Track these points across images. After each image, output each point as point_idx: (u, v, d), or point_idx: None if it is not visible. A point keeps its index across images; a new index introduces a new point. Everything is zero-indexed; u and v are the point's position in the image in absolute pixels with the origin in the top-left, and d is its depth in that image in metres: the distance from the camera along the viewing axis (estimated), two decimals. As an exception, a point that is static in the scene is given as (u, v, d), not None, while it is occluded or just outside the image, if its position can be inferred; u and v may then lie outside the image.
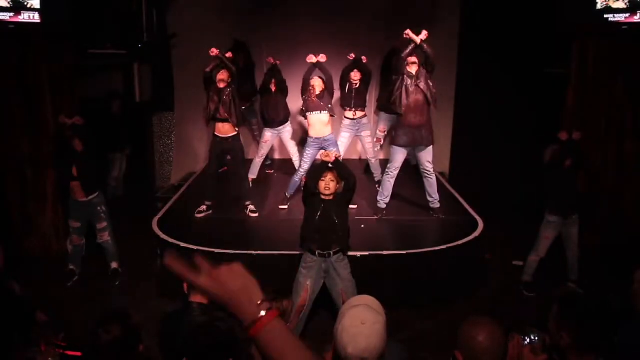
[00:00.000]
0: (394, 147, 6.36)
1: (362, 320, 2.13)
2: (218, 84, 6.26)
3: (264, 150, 7.70)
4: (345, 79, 7.19)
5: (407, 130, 6.20)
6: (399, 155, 6.35)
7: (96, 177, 6.19)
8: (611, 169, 6.88)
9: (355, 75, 7.10)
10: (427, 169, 6.38)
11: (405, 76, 6.10)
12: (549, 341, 2.64)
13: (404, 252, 5.59)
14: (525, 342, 2.66)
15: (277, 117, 7.43)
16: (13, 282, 4.11)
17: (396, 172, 6.42)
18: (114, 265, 6.23)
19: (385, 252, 5.59)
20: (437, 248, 5.73)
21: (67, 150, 5.84)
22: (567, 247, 5.91)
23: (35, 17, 6.15)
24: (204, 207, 6.63)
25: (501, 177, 7.99)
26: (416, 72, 6.12)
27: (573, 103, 7.00)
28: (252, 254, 5.50)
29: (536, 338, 2.67)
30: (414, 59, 6.13)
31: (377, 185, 7.30)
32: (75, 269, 6.15)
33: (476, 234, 6.07)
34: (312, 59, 6.64)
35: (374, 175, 7.55)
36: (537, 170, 6.13)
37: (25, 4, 6.09)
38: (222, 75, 6.29)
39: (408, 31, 6.15)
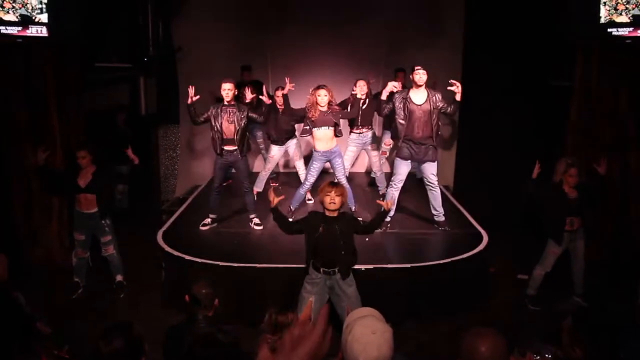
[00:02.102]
0: (398, 159, 6.37)
1: (372, 330, 2.15)
2: (225, 99, 6.25)
3: (270, 165, 7.73)
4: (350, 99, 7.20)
5: (411, 144, 6.21)
6: (403, 168, 6.35)
7: (112, 195, 6.23)
8: (616, 181, 6.86)
9: (362, 90, 7.07)
10: (432, 181, 6.38)
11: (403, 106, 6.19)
12: (560, 355, 2.63)
13: (409, 266, 5.58)
14: (536, 358, 2.65)
15: (282, 135, 7.47)
16: (17, 293, 4.13)
17: (400, 185, 6.42)
18: (119, 278, 6.24)
19: (389, 265, 5.58)
20: (441, 261, 5.71)
21: (74, 165, 5.91)
22: (573, 261, 5.88)
23: (43, 31, 6.21)
24: (208, 220, 6.64)
25: (505, 190, 7.98)
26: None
27: (577, 116, 7.01)
28: (256, 267, 5.50)
29: (548, 354, 2.66)
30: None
31: (381, 199, 7.32)
32: (79, 282, 6.16)
33: (480, 247, 6.05)
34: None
35: (379, 188, 7.57)
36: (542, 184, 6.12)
37: (33, 18, 6.16)
38: (227, 90, 6.26)
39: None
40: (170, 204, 9.10)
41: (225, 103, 6.26)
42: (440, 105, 6.14)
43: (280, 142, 7.53)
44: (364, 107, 7.11)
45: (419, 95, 6.16)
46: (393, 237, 6.49)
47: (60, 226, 6.75)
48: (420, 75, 6.09)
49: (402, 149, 6.27)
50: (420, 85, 6.12)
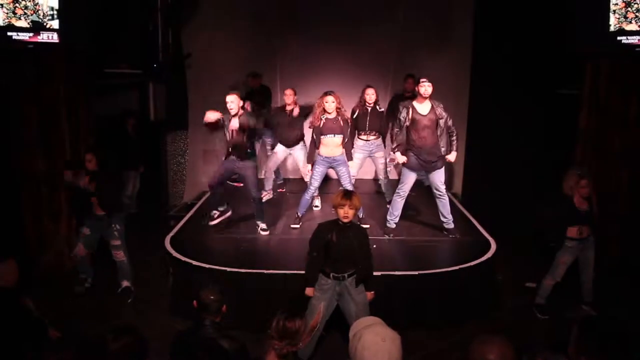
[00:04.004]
0: (405, 168, 6.36)
1: (382, 337, 2.15)
2: (230, 112, 6.24)
3: (272, 163, 7.70)
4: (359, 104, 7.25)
5: (418, 154, 6.21)
6: (410, 177, 6.35)
7: (116, 197, 6.21)
8: (625, 190, 6.83)
9: (370, 98, 7.09)
10: (440, 190, 6.37)
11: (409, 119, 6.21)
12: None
13: (416, 273, 5.57)
14: None
15: (290, 137, 7.48)
16: (27, 299, 4.14)
17: (406, 194, 6.42)
18: (125, 283, 6.21)
19: (397, 273, 5.57)
20: (449, 269, 5.69)
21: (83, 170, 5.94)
22: (582, 270, 5.83)
23: (54, 38, 6.26)
24: (216, 213, 6.65)
25: (514, 197, 7.96)
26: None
27: (586, 124, 6.98)
28: (264, 273, 5.50)
29: None
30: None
31: (388, 206, 7.32)
32: (86, 277, 6.18)
33: (489, 254, 6.03)
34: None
35: (385, 196, 7.57)
36: (549, 192, 6.10)
37: (45, 24, 6.21)
38: (230, 102, 6.22)
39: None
40: (178, 210, 9.13)
41: (232, 115, 6.26)
42: (444, 117, 6.20)
43: (287, 144, 7.55)
44: (370, 112, 7.13)
45: (423, 106, 6.20)
46: (400, 244, 6.48)
47: (70, 231, 6.77)
48: (426, 88, 6.10)
49: (410, 159, 6.27)
50: (425, 98, 6.15)
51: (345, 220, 4.52)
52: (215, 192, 6.64)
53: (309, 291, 4.71)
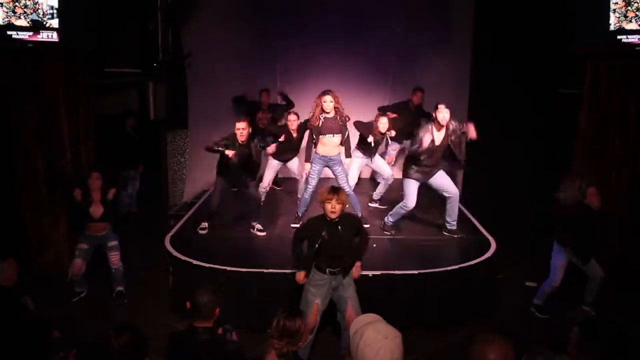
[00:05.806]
0: (408, 180, 6.34)
1: (384, 334, 2.15)
2: (239, 139, 6.21)
3: (269, 177, 7.63)
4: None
5: (422, 168, 6.23)
6: (413, 188, 6.33)
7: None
8: (625, 191, 6.81)
9: (384, 126, 6.93)
10: (444, 189, 6.35)
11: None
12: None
13: (416, 272, 5.56)
14: None
15: (288, 155, 7.52)
16: (27, 299, 4.15)
17: (411, 207, 6.40)
18: (119, 287, 6.19)
19: (396, 272, 5.56)
20: (449, 268, 5.69)
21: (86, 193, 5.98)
22: (588, 273, 5.79)
23: (54, 37, 6.26)
24: (206, 224, 6.66)
25: (514, 197, 7.95)
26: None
27: (586, 123, 6.96)
28: (263, 272, 5.50)
29: None
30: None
31: (371, 204, 7.62)
32: (81, 290, 6.16)
33: (489, 254, 6.03)
34: None
35: (374, 194, 7.69)
36: (549, 190, 6.08)
37: (44, 23, 6.20)
38: (241, 129, 6.20)
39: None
40: (178, 209, 9.13)
41: (240, 142, 6.22)
42: (458, 132, 6.15)
43: (282, 159, 7.55)
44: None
45: (439, 134, 6.15)
46: (400, 243, 6.48)
47: (69, 231, 6.76)
48: (444, 114, 6.00)
49: (412, 172, 6.25)
50: (442, 126, 6.07)
51: (333, 216, 4.52)
52: (212, 202, 6.62)
53: (299, 276, 4.75)
